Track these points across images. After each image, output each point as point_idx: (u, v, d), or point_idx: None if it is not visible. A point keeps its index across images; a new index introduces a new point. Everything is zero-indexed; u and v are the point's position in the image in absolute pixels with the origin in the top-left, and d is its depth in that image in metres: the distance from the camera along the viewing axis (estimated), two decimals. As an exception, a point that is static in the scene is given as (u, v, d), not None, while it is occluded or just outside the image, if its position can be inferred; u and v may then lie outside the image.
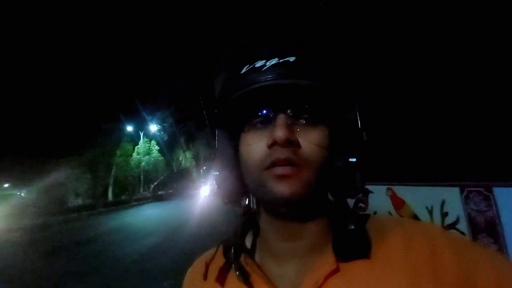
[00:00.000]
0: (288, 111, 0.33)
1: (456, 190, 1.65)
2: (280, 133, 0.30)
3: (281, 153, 0.31)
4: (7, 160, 18.44)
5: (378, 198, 2.30)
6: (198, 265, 0.45)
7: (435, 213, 1.78)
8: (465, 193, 1.59)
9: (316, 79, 0.33)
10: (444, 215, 1.71)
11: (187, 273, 0.47)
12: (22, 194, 20.24)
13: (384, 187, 2.33)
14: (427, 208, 1.81)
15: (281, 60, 0.33)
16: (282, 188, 0.31)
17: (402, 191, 2.19)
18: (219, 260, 0.41)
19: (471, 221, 1.53)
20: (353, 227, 0.34)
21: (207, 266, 0.41)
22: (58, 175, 19.20)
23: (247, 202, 0.40)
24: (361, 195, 0.37)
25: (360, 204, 0.36)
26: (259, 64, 0.33)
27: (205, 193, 9.49)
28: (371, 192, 2.41)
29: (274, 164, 0.31)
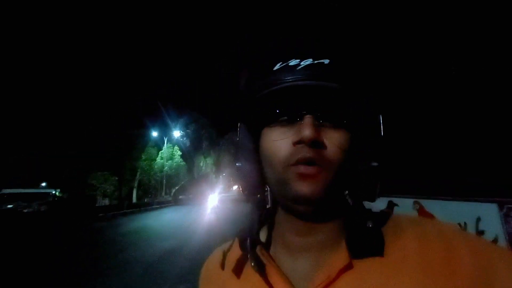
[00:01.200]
0: (316, 112, 0.33)
1: (494, 206, 1.51)
2: (307, 132, 0.31)
3: (307, 152, 0.31)
4: (45, 161, 20.11)
5: (404, 212, 2.16)
6: (216, 255, 0.46)
7: (470, 230, 1.63)
8: (504, 210, 1.44)
9: (347, 84, 0.33)
10: (479, 233, 1.56)
11: (205, 263, 0.48)
12: (57, 193, 21.87)
13: (411, 201, 2.20)
14: (460, 224, 1.67)
15: (315, 62, 0.33)
16: (304, 187, 0.31)
17: (431, 205, 2.04)
18: (236, 252, 0.41)
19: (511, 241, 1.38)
20: (370, 225, 0.34)
21: (224, 255, 0.42)
22: (89, 177, 20.50)
23: (264, 196, 0.40)
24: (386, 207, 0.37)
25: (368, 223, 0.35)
26: (293, 62, 0.34)
27: (213, 202, 8.87)
28: (396, 205, 2.28)
29: (299, 162, 0.32)
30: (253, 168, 0.40)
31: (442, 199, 1.88)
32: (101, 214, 14.75)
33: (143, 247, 6.35)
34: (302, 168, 0.32)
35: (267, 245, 0.40)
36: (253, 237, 0.40)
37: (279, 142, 0.34)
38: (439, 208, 1.90)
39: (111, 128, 22.25)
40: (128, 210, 16.90)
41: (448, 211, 1.82)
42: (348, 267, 0.32)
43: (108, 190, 22.25)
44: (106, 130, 21.88)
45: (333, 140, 0.33)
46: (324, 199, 0.32)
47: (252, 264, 0.37)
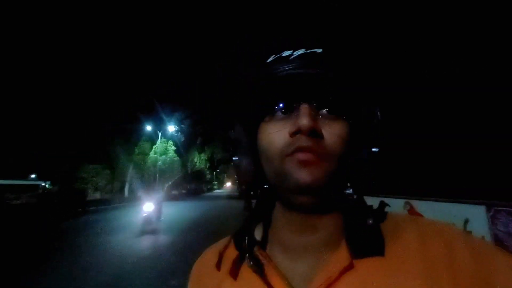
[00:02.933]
0: (312, 102, 0.33)
1: (482, 208, 1.54)
2: (304, 121, 0.30)
3: (304, 141, 0.31)
4: (34, 153, 19.70)
5: (395, 211, 2.20)
6: (208, 254, 0.45)
7: (457, 231, 1.67)
8: (491, 212, 1.48)
9: (341, 71, 0.33)
10: (467, 234, 1.61)
11: (195, 263, 0.46)
12: (47, 185, 21.47)
13: (402, 201, 2.23)
14: (448, 225, 1.71)
15: (308, 51, 0.33)
16: (304, 175, 0.30)
17: (421, 206, 2.08)
18: (232, 252, 0.40)
19: (498, 243, 1.42)
20: (370, 222, 0.34)
21: (220, 255, 0.41)
22: (80, 169, 20.19)
23: (261, 192, 0.40)
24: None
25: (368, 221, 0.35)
26: (286, 53, 0.34)
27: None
28: (387, 205, 2.32)
29: (296, 150, 0.31)
30: (250, 163, 0.39)
31: (432, 200, 1.92)
32: (92, 208, 14.57)
33: (134, 242, 6.31)
34: (300, 155, 0.31)
35: (263, 244, 0.39)
36: (251, 236, 0.39)
37: (276, 133, 0.33)
38: (428, 208, 1.94)
39: (104, 121, 21.91)
40: (120, 204, 16.73)
41: (438, 212, 1.85)
42: (349, 267, 0.31)
43: (99, 184, 21.97)
44: (99, 123, 21.54)
45: (331, 130, 0.32)
46: (325, 189, 0.31)
47: (251, 263, 0.36)
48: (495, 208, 1.42)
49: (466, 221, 1.58)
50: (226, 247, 0.42)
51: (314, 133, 0.31)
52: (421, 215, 1.97)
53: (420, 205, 2.00)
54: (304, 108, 0.32)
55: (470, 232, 1.57)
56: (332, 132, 0.32)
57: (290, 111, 0.34)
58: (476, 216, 1.54)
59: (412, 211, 2.04)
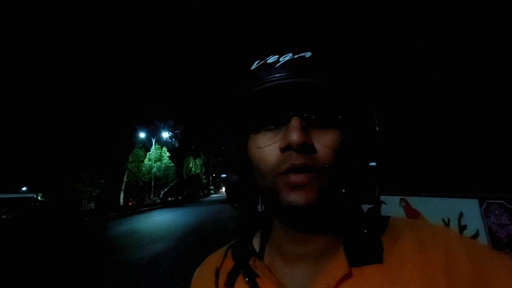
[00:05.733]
0: (303, 112, 0.30)
1: (475, 202, 1.58)
2: (295, 136, 0.28)
3: (296, 159, 0.29)
4: (25, 164, 19.24)
5: (391, 209, 2.22)
6: (207, 265, 0.44)
7: (453, 225, 1.70)
8: (484, 205, 1.52)
9: (333, 77, 0.30)
10: (462, 228, 1.63)
11: (196, 272, 0.45)
12: (39, 197, 20.96)
13: (398, 198, 2.26)
14: (443, 220, 1.73)
15: (296, 56, 0.30)
16: (297, 198, 0.29)
17: (417, 202, 2.11)
18: (229, 263, 0.40)
19: (492, 235, 1.45)
20: (366, 231, 0.33)
21: (217, 272, 0.40)
22: (73, 180, 19.80)
23: (255, 205, 0.39)
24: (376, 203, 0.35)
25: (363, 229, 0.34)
26: (271, 59, 0.31)
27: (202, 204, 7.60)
28: (384, 202, 2.34)
29: (289, 170, 0.29)
30: (240, 178, 0.37)
31: (427, 196, 1.95)
32: (86, 218, 14.27)
33: (133, 251, 6.20)
34: (293, 177, 0.29)
35: (261, 254, 0.38)
36: (246, 248, 0.38)
37: (266, 149, 0.31)
38: (424, 204, 1.97)
39: (97, 130, 21.58)
40: (115, 214, 16.45)
41: (433, 208, 1.88)
42: (348, 276, 0.31)
43: (93, 194, 21.59)
44: (91, 131, 21.21)
45: (325, 142, 0.30)
46: (319, 207, 0.30)
47: (246, 279, 0.35)
48: (488, 201, 1.46)
49: (461, 215, 1.61)
50: (224, 259, 0.41)
51: (306, 148, 0.29)
52: (417, 212, 2.00)
53: (415, 202, 2.03)
54: (295, 121, 0.29)
55: (465, 226, 1.60)
56: (325, 145, 0.30)
57: (279, 123, 0.31)
58: (470, 210, 1.57)
59: (408, 207, 2.06)
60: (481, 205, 1.50)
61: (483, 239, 1.47)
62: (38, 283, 4.37)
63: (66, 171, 19.57)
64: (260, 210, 0.39)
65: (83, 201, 21.32)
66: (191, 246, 6.35)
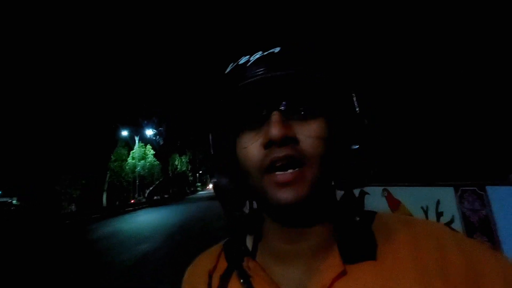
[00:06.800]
0: (282, 106, 0.31)
1: (451, 190, 1.67)
2: (274, 131, 0.29)
3: (279, 152, 0.29)
4: (-2, 166, 18.06)
5: (374, 199, 2.31)
6: (198, 268, 0.43)
7: (430, 212, 1.79)
8: (459, 192, 1.61)
9: (305, 68, 0.31)
10: (439, 214, 1.73)
11: (188, 271, 0.45)
12: (14, 202, 19.81)
13: (380, 188, 2.35)
14: (422, 208, 1.83)
15: (265, 53, 0.31)
16: (285, 195, 0.29)
17: (398, 192, 2.21)
18: (221, 264, 0.39)
19: (465, 220, 1.55)
20: (358, 227, 0.33)
21: (210, 273, 0.39)
22: (51, 181, 18.87)
23: (247, 205, 0.39)
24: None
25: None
26: (243, 60, 0.32)
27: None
28: (367, 193, 2.42)
29: (273, 164, 0.29)
30: (229, 180, 0.37)
31: (407, 186, 2.03)
32: (67, 221, 13.70)
33: (117, 252, 6.04)
34: (279, 176, 0.29)
35: (254, 254, 0.38)
36: (239, 248, 0.38)
37: (250, 147, 0.32)
38: (404, 193, 2.05)
39: (76, 128, 20.61)
40: (98, 215, 15.90)
41: (412, 196, 1.97)
42: (342, 274, 0.31)
43: (74, 195, 20.70)
44: (70, 130, 20.22)
45: (307, 132, 0.30)
46: (309, 201, 0.30)
47: (241, 281, 0.35)
48: (462, 188, 1.54)
49: (438, 203, 1.70)
50: (218, 259, 0.41)
51: (287, 141, 0.29)
52: (398, 201, 2.09)
53: (396, 191, 2.11)
54: (274, 116, 0.30)
55: (441, 213, 1.70)
56: (307, 134, 0.30)
57: (261, 121, 0.32)
58: (446, 197, 1.66)
59: (389, 197, 2.14)
60: (456, 192, 1.59)
61: (457, 224, 1.56)
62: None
63: (43, 172, 18.59)
64: (248, 210, 0.39)
65: (63, 203, 20.41)
66: (178, 245, 6.28)
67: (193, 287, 0.41)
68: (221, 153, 0.38)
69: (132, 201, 25.33)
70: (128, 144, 27.79)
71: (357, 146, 0.34)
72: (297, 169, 0.29)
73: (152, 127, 33.02)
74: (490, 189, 1.44)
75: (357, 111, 0.35)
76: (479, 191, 1.48)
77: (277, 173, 0.29)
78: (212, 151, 0.39)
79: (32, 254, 6.93)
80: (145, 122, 31.41)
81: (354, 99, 0.35)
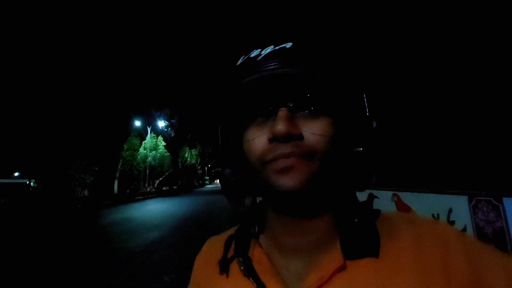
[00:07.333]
0: (289, 102, 0.31)
1: (464, 198, 1.62)
2: (280, 126, 0.29)
3: (284, 148, 0.29)
4: (18, 149, 18.94)
5: (383, 203, 2.27)
6: (208, 255, 0.44)
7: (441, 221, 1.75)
8: (473, 202, 1.56)
9: (316, 66, 0.31)
10: (450, 223, 1.68)
11: (199, 256, 0.46)
12: (31, 184, 20.76)
13: (390, 193, 2.31)
14: (433, 215, 1.78)
15: (277, 48, 0.31)
16: (286, 181, 0.29)
17: (408, 198, 2.16)
18: (230, 253, 0.40)
19: (479, 231, 1.49)
20: (360, 222, 0.33)
21: (220, 260, 0.40)
22: (67, 166, 19.62)
23: (251, 198, 0.40)
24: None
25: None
26: (254, 53, 0.32)
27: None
28: (376, 197, 2.38)
29: (277, 158, 0.30)
30: (233, 172, 0.38)
31: (418, 192, 1.98)
32: (79, 206, 14.24)
33: (126, 239, 6.23)
34: (280, 162, 0.30)
35: (260, 244, 0.38)
36: (246, 238, 0.39)
37: (255, 140, 0.32)
38: (415, 200, 2.00)
39: (91, 117, 21.26)
40: (109, 202, 16.43)
41: (423, 203, 1.92)
42: (342, 268, 0.31)
43: (87, 181, 21.45)
44: (86, 119, 20.88)
45: (312, 130, 0.30)
46: (310, 192, 0.30)
47: (242, 268, 0.36)
48: (476, 198, 1.49)
49: (450, 211, 1.65)
50: (226, 246, 0.41)
51: (292, 137, 0.29)
52: (408, 207, 2.04)
53: (407, 197, 2.06)
54: (281, 112, 0.30)
55: (453, 222, 1.65)
56: (312, 131, 0.30)
57: (268, 115, 0.32)
58: (458, 206, 1.61)
59: (399, 202, 2.10)
60: (470, 201, 1.54)
61: (470, 234, 1.51)
62: (29, 269, 4.38)
63: (59, 157, 19.36)
64: (249, 203, 0.40)
65: (77, 188, 21.20)
66: (185, 235, 6.41)
67: (201, 274, 0.43)
68: (228, 145, 0.39)
69: (148, 189, 25.94)
70: (141, 134, 28.43)
71: (361, 149, 0.34)
72: (297, 158, 0.29)
73: (164, 119, 33.57)
74: (507, 201, 1.38)
75: (367, 113, 0.34)
76: (495, 202, 1.42)
77: (279, 160, 0.30)
78: (219, 142, 0.40)
79: (44, 236, 7.25)
80: (158, 113, 31.96)
81: (365, 101, 0.35)
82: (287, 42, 0.31)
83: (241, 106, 0.34)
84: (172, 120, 34.72)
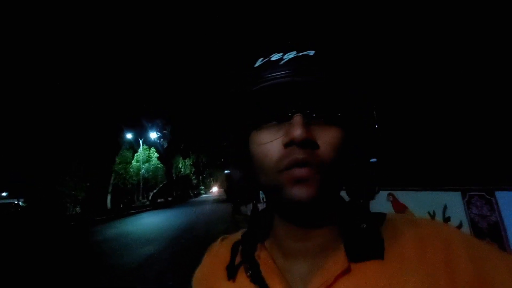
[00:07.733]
0: (306, 109, 0.31)
1: (458, 194, 1.64)
2: (298, 131, 0.29)
3: (299, 153, 0.29)
4: (5, 168, 18.35)
5: (379, 203, 2.28)
6: (220, 251, 0.44)
7: (437, 218, 1.76)
8: (467, 197, 1.58)
9: (336, 76, 0.31)
10: (446, 220, 1.70)
11: (205, 257, 0.46)
12: (20, 203, 20.07)
13: (385, 193, 2.32)
14: (429, 213, 1.80)
15: (300, 54, 0.31)
16: (299, 192, 0.29)
17: (403, 196, 2.18)
18: (237, 258, 0.40)
19: (474, 225, 1.52)
20: (365, 226, 0.33)
21: (227, 266, 0.40)
22: (57, 183, 19.07)
23: (258, 201, 0.40)
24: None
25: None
26: (275, 57, 0.32)
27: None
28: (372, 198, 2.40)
29: (292, 165, 0.30)
30: (243, 174, 0.38)
31: (413, 190, 2.01)
32: (72, 223, 13.80)
33: (121, 255, 6.06)
34: (297, 172, 0.29)
35: (265, 248, 0.39)
36: (252, 242, 0.39)
37: (269, 145, 0.32)
38: (410, 198, 2.03)
39: (81, 131, 20.86)
40: (102, 218, 15.99)
41: (418, 201, 1.94)
42: (346, 271, 0.31)
43: (79, 197, 20.86)
44: (75, 133, 20.47)
45: (326, 139, 0.31)
46: (320, 202, 0.31)
47: (249, 273, 0.36)
48: (470, 193, 1.52)
49: (445, 207, 1.67)
50: (233, 251, 0.41)
51: (309, 144, 0.30)
52: (404, 206, 2.06)
53: (402, 196, 2.08)
54: (297, 117, 0.30)
55: (449, 218, 1.67)
56: (327, 141, 0.31)
57: (282, 119, 0.32)
58: (453, 202, 1.63)
59: (395, 201, 2.12)
60: (463, 197, 1.56)
61: (465, 229, 1.53)
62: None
63: (48, 174, 18.81)
64: (246, 211, 0.41)
65: (68, 205, 20.58)
66: (182, 248, 6.28)
67: (205, 279, 0.43)
68: (236, 147, 0.39)
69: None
70: (133, 147, 28.01)
71: (375, 159, 0.35)
72: (312, 168, 0.30)
73: (157, 130, 33.28)
74: (499, 194, 1.41)
75: (376, 127, 0.35)
76: (487, 196, 1.45)
77: (295, 168, 0.30)
78: (224, 143, 0.40)
79: (36, 255, 6.98)
80: (150, 124, 31.66)
81: (375, 114, 0.36)
82: (309, 50, 0.32)
83: (256, 107, 0.34)
84: (164, 131, 34.43)
